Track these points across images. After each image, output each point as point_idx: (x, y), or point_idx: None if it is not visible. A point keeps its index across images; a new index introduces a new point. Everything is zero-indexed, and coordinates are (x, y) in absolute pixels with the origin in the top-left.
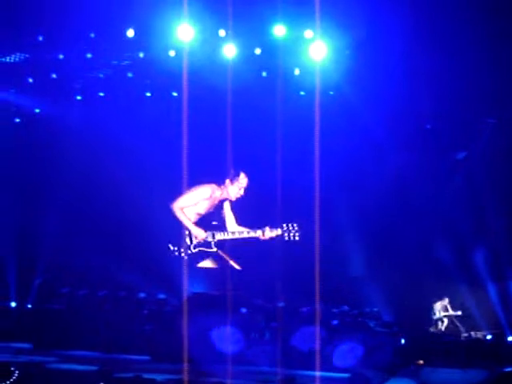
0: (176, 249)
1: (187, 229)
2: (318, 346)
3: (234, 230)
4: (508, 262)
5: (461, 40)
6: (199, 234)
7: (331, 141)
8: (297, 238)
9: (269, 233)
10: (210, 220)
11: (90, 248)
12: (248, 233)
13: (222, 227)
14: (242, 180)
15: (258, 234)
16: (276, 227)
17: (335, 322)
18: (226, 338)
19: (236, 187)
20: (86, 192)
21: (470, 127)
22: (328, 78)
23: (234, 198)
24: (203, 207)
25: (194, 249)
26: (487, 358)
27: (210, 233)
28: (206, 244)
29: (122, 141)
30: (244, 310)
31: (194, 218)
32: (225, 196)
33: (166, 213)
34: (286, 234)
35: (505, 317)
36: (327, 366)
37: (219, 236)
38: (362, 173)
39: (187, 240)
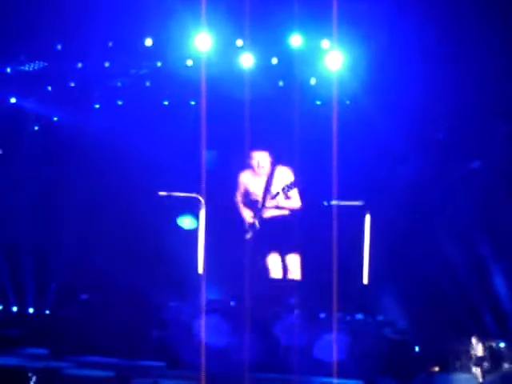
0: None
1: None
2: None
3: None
4: None
5: (477, 50)
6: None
7: (347, 150)
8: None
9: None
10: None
11: (107, 254)
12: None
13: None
14: (253, 157)
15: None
16: None
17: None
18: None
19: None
20: (104, 200)
21: (485, 137)
22: (344, 88)
23: (259, 173)
24: (246, 189)
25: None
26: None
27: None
28: (253, 225)
29: (139, 149)
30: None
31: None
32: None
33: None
34: None
35: None
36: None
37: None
38: (377, 182)
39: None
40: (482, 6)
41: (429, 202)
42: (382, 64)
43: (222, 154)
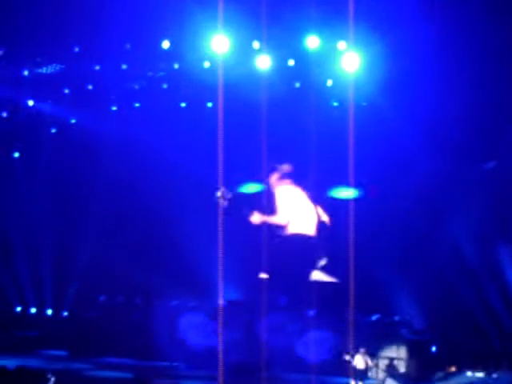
0: None
1: None
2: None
3: None
4: None
5: (495, 52)
6: None
7: (363, 150)
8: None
9: None
10: None
11: (126, 257)
12: None
13: None
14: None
15: None
16: None
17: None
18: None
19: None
20: (122, 201)
21: (500, 137)
22: (361, 89)
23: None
24: None
25: None
26: None
27: None
28: None
29: (156, 151)
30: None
31: None
32: None
33: (200, 222)
34: None
35: None
36: None
37: None
38: (393, 181)
39: None
40: (499, 8)
41: (445, 202)
42: (398, 65)
43: (239, 155)
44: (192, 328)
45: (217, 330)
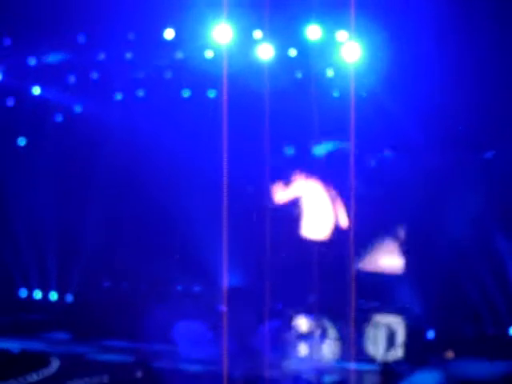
0: None
1: None
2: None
3: None
4: None
5: (496, 41)
6: None
7: (364, 142)
8: None
9: None
10: None
11: (129, 242)
12: None
13: None
14: None
15: None
16: None
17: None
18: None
19: None
20: (126, 188)
21: (504, 128)
22: (361, 80)
23: None
24: None
25: None
26: None
27: None
28: None
29: (160, 140)
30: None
31: None
32: None
33: (203, 209)
34: None
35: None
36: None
37: None
38: (394, 174)
39: None
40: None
41: (445, 191)
42: (399, 56)
43: (240, 145)
44: (189, 339)
45: (215, 340)
